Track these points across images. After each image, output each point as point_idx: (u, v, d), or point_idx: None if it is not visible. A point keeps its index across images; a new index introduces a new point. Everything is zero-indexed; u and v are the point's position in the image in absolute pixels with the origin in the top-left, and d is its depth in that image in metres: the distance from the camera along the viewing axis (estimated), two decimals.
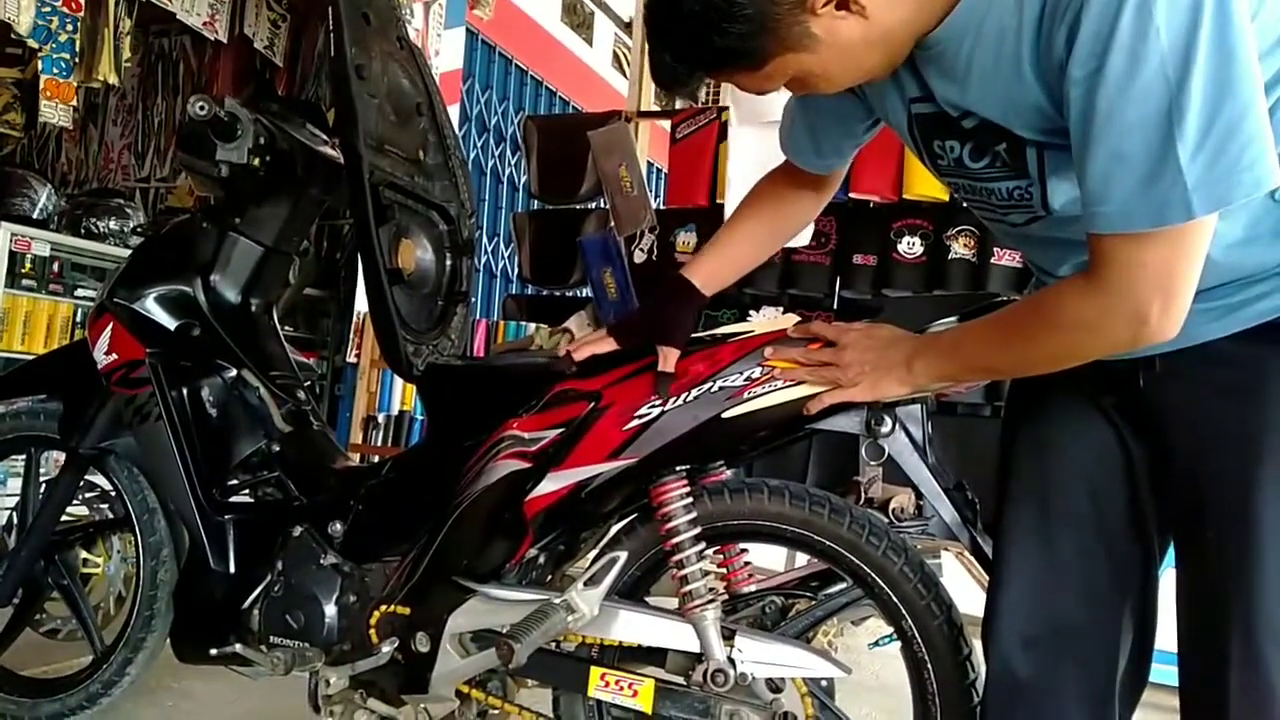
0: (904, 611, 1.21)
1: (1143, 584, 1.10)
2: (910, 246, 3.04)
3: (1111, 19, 0.80)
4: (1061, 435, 1.11)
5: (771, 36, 0.91)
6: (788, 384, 1.19)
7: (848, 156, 1.32)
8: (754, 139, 2.98)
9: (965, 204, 1.11)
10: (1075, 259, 1.00)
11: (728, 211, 2.95)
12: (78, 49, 3.56)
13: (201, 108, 1.59)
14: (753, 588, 1.39)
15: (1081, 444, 1.09)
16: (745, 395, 1.21)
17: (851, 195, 3.12)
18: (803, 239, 3.02)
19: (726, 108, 3.40)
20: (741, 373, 1.21)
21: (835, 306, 3.20)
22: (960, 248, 2.97)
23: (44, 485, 1.86)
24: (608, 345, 1.32)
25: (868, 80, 1.02)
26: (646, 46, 1.02)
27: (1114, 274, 0.88)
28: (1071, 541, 1.09)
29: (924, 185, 2.98)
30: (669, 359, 1.25)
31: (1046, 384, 1.08)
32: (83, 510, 1.94)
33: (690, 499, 1.30)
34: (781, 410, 1.19)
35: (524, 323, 3.59)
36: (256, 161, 1.66)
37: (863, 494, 1.31)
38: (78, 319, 3.83)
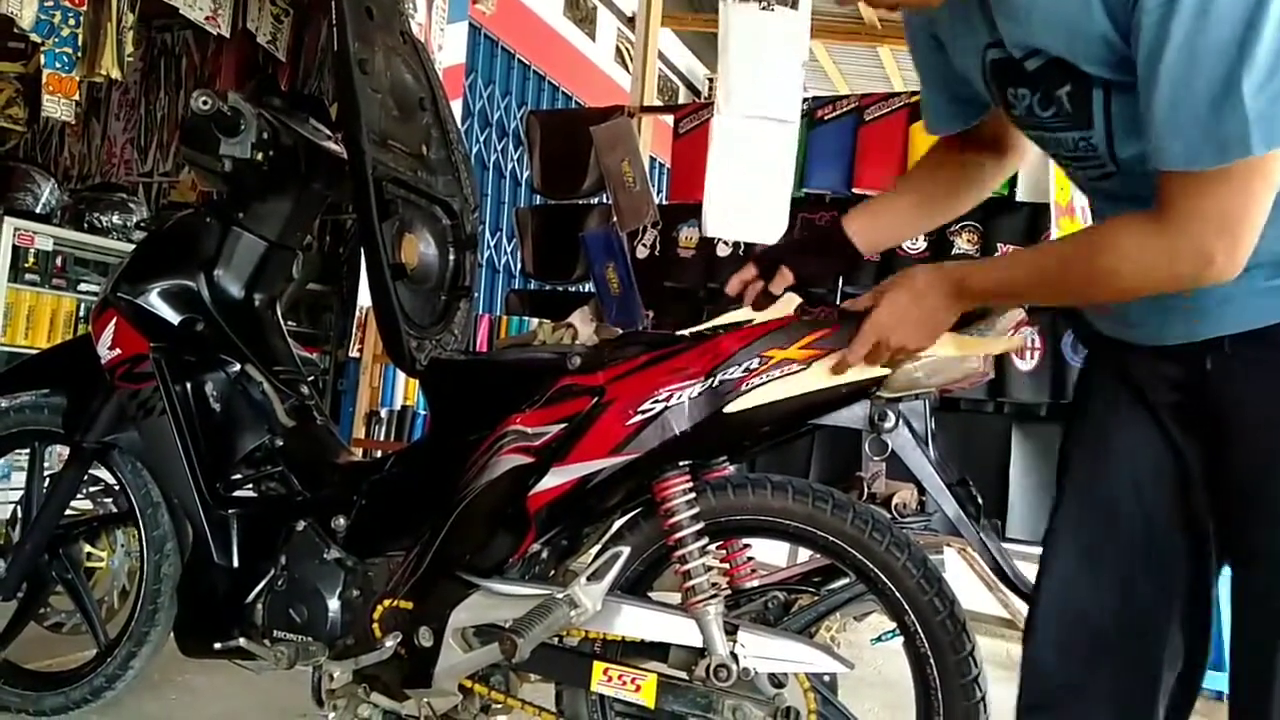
0: (907, 607, 1.21)
1: (1195, 592, 1.06)
2: (913, 241, 3.03)
3: None
4: (1112, 439, 1.09)
5: None
6: (785, 374, 1.19)
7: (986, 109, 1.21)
8: (737, 133, 2.93)
9: (1049, 155, 1.09)
10: None
11: (706, 207, 2.90)
12: (80, 43, 3.55)
13: (205, 102, 1.59)
14: (755, 583, 1.39)
15: (1131, 448, 1.07)
16: (743, 387, 1.21)
17: (854, 190, 3.11)
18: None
19: None
20: (740, 364, 1.21)
21: (838, 301, 3.20)
22: (963, 243, 2.97)
23: (48, 480, 1.87)
24: (752, 272, 1.30)
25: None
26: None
27: (1179, 214, 0.87)
28: (1114, 546, 1.06)
29: None
30: (790, 306, 1.25)
31: (1101, 385, 1.07)
32: (87, 505, 1.94)
33: (693, 494, 1.30)
34: (786, 404, 1.19)
35: (526, 318, 3.59)
36: (260, 156, 1.66)
37: (865, 489, 1.31)
38: (81, 314, 3.83)
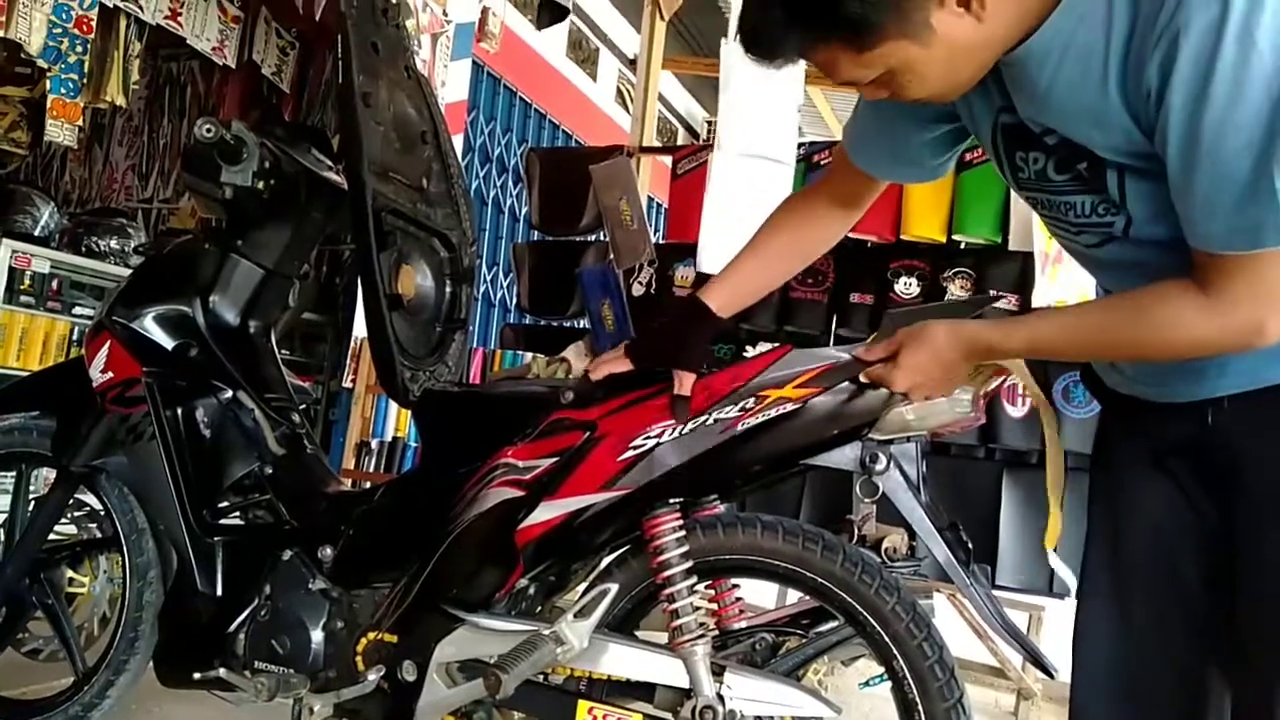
0: (895, 651, 1.20)
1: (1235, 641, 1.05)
2: (907, 286, 3.05)
3: (1212, 47, 0.80)
4: (1131, 493, 1.10)
5: (896, 16, 0.89)
6: (780, 413, 1.19)
7: (925, 168, 1.25)
8: (735, 171, 2.97)
9: (1042, 219, 1.10)
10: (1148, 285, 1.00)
11: (702, 243, 2.95)
12: (86, 70, 3.59)
13: (208, 130, 1.60)
14: (743, 624, 1.38)
15: (1150, 502, 1.08)
16: (738, 426, 1.21)
17: (850, 235, 3.13)
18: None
19: None
20: (736, 404, 1.22)
21: (831, 345, 3.21)
22: (956, 289, 2.99)
23: (33, 502, 1.85)
24: (624, 365, 1.32)
25: (945, 96, 1.00)
26: (740, 6, 0.99)
27: (1229, 291, 0.89)
28: (1143, 604, 1.07)
29: (922, 227, 3.00)
30: (685, 383, 1.25)
31: (1117, 439, 1.09)
32: (71, 529, 1.92)
33: (683, 532, 1.29)
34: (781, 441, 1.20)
35: (521, 352, 3.59)
36: (260, 184, 1.67)
37: (856, 532, 1.31)
38: (74, 337, 3.83)
